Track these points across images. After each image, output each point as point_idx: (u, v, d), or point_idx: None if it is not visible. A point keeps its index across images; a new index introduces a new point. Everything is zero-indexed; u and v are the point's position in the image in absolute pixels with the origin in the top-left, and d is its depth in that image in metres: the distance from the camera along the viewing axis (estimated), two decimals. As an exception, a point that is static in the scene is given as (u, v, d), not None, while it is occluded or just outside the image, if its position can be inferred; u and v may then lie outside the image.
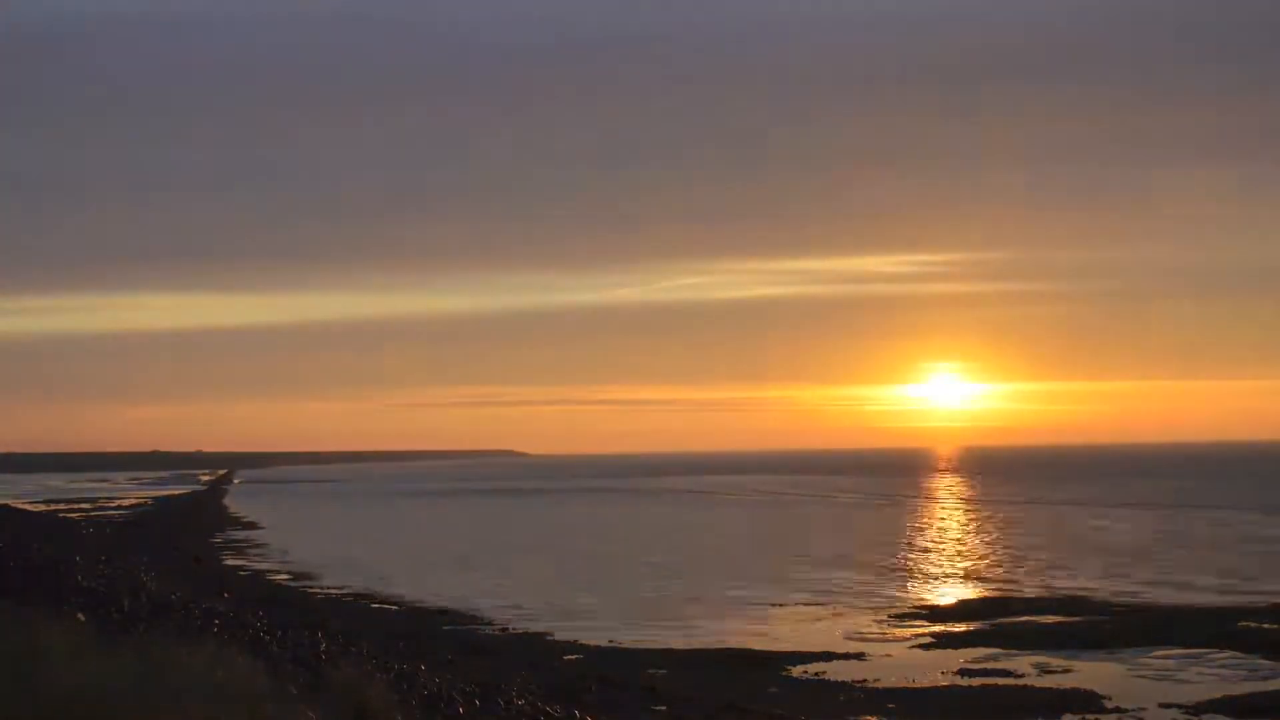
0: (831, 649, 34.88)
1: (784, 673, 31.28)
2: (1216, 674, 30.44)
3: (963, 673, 30.97)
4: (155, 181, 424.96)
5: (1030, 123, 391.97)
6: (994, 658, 33.20)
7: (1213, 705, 26.89)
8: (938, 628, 38.72)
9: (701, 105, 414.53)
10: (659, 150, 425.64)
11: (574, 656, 33.90)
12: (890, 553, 65.97)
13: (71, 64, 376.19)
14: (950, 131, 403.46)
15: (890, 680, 30.14)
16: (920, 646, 35.14)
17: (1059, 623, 39.10)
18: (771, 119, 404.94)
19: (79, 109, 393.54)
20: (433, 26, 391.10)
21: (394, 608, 45.57)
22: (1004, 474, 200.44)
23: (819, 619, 41.42)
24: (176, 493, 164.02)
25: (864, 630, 38.85)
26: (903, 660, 33.13)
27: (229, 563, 63.98)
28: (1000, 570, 56.30)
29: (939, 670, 31.37)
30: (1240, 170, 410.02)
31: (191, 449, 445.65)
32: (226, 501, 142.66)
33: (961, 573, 55.97)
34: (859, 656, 33.51)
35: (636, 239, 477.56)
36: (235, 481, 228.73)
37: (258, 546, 76.07)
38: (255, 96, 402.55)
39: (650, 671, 31.20)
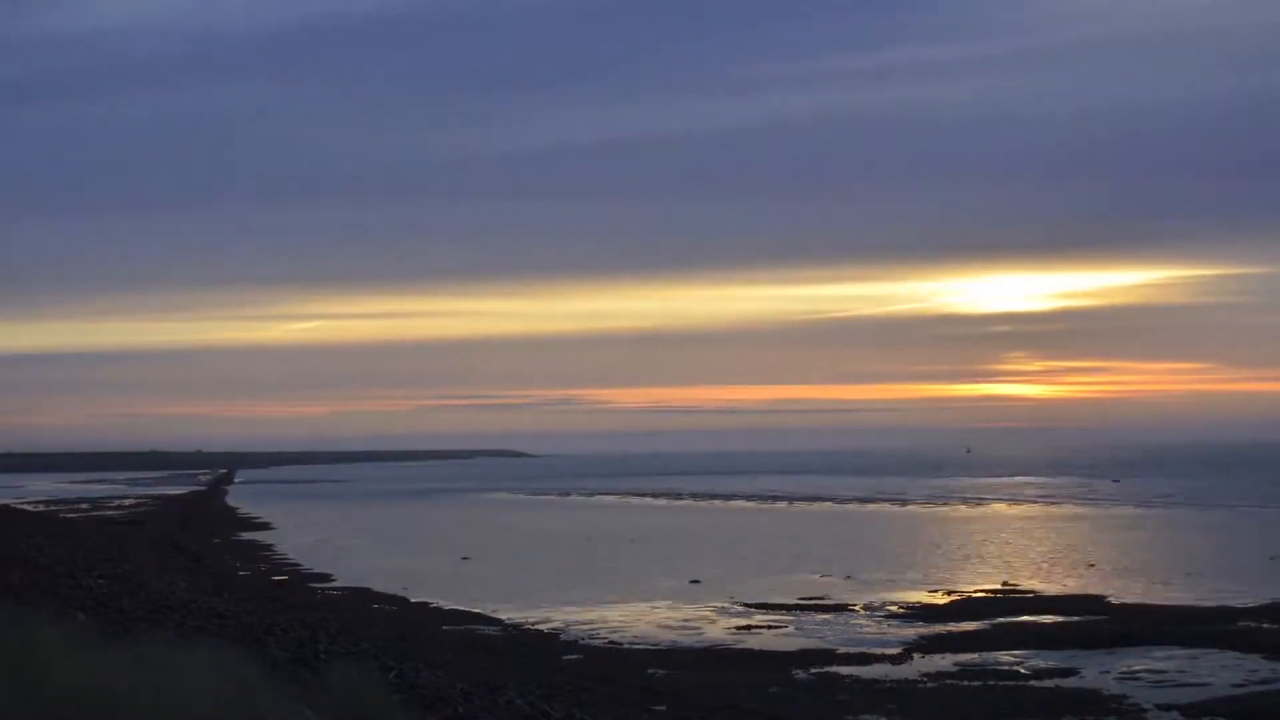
0: (831, 649, 34.89)
1: (784, 673, 31.27)
2: (1216, 675, 30.43)
3: (963, 673, 30.96)
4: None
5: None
6: (994, 658, 33.21)
7: (1212, 706, 26.87)
8: (938, 628, 38.71)
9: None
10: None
11: (574, 656, 33.90)
12: (897, 553, 66.00)
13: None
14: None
15: (890, 680, 30.15)
16: (920, 647, 35.11)
17: (1059, 623, 39.11)
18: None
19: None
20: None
21: (394, 608, 45.57)
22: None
23: (818, 619, 41.41)
24: (176, 492, 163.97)
25: (864, 630, 38.86)
26: (902, 660, 33.12)
27: (229, 562, 63.96)
28: (1006, 571, 56.31)
29: (939, 670, 31.38)
30: None
31: (191, 449, 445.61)
32: (228, 501, 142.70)
33: (965, 573, 55.96)
34: (859, 657, 33.50)
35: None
36: (236, 481, 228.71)
37: (258, 546, 76.06)
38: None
39: (650, 671, 31.21)
